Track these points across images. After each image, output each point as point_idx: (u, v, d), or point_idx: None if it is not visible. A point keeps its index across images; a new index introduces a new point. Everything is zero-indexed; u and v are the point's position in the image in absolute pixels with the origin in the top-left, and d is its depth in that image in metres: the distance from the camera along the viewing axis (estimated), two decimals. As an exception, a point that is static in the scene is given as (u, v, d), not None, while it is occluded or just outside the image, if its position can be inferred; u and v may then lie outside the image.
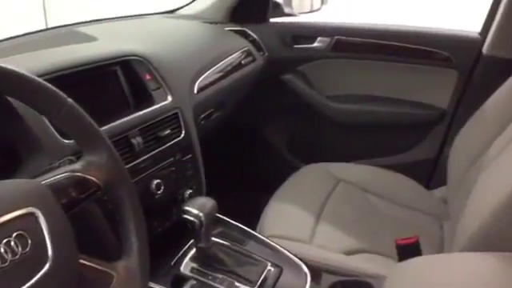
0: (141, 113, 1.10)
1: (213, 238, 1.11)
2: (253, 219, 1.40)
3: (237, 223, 1.25)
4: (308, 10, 1.95)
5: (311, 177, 1.59)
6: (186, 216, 1.05)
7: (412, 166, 1.84)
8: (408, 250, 1.15)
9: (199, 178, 1.26)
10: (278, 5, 1.90)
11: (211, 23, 1.77)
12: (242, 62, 1.64)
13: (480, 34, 1.75)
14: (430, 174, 1.86)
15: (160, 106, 1.16)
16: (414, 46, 1.79)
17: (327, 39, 1.84)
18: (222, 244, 1.18)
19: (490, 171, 1.22)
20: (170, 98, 1.20)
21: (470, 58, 1.74)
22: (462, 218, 1.18)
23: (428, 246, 1.28)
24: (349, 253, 1.28)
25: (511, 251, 0.98)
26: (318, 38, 1.85)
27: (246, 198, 1.68)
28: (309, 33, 1.87)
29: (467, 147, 1.42)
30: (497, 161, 1.22)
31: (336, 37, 1.83)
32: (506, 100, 1.36)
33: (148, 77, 1.19)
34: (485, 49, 1.70)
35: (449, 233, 1.39)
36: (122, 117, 1.06)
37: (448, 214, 1.43)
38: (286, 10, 1.90)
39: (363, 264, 1.25)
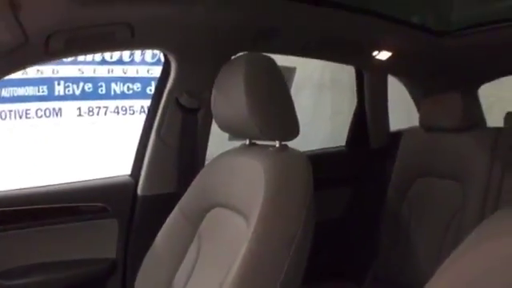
0: None
1: None
2: None
3: None
4: None
5: None
6: None
7: None
8: None
9: None
10: None
11: None
12: None
13: (131, 175, 1.78)
14: None
15: None
16: (66, 205, 1.68)
17: None
18: None
19: None
20: None
21: (127, 202, 1.74)
22: None
23: None
24: None
25: None
26: None
27: None
28: None
29: None
30: None
31: None
32: (176, 232, 1.43)
33: None
34: (139, 190, 1.75)
35: None
36: None
37: None
38: None
39: None
